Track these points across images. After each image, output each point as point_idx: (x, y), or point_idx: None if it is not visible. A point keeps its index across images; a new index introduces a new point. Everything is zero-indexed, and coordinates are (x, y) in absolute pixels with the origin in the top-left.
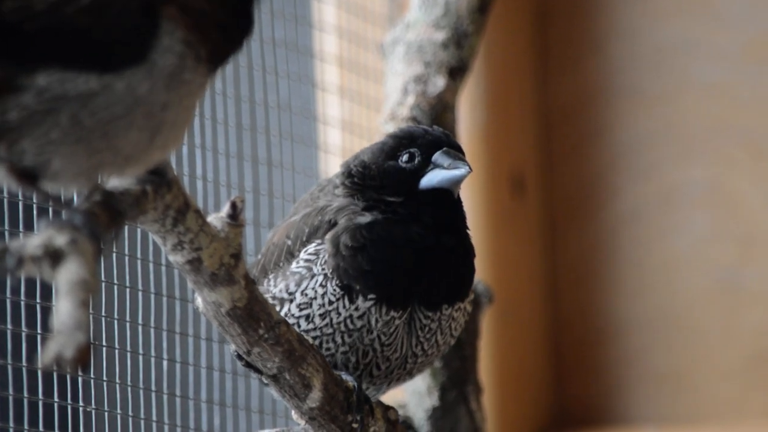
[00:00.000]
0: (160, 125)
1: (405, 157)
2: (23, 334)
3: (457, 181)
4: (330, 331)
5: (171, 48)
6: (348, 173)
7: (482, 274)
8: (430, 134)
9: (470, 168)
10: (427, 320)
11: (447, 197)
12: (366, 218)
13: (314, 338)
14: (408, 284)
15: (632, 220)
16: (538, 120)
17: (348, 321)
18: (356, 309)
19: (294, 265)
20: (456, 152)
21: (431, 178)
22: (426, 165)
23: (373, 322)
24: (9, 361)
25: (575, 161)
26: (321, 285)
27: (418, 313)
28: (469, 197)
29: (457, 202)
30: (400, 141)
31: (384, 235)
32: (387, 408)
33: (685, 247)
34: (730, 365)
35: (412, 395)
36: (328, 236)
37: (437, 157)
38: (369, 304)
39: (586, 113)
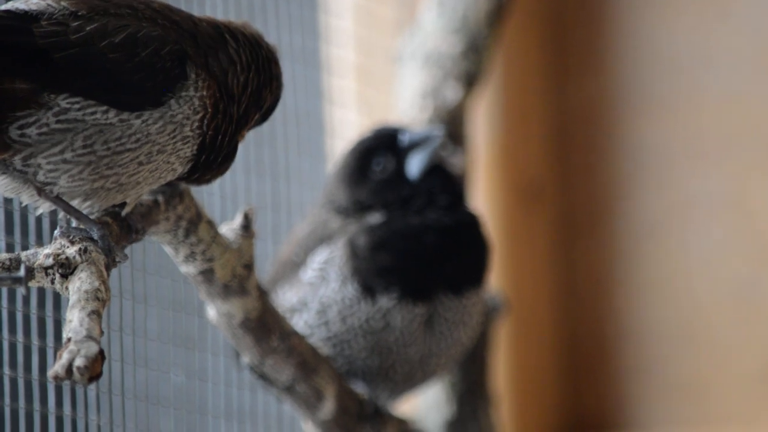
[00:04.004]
0: (152, 164)
1: (379, 169)
2: (34, 346)
3: (437, 149)
4: (350, 336)
5: (191, 100)
6: (339, 209)
7: (498, 282)
8: (378, 133)
9: (439, 130)
10: (448, 312)
11: (440, 171)
12: (377, 218)
13: (333, 345)
14: (431, 273)
15: (648, 229)
16: (555, 130)
17: (370, 322)
18: (378, 309)
19: (306, 275)
20: (411, 127)
21: (415, 165)
22: (400, 158)
23: (396, 320)
24: (20, 373)
25: (591, 171)
26: (338, 290)
27: (440, 305)
28: (485, 207)
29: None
30: (362, 162)
31: (401, 228)
32: (401, 420)
33: (702, 256)
34: (745, 373)
35: (426, 408)
36: (341, 242)
37: (405, 141)
38: (392, 302)
39: (602, 124)
